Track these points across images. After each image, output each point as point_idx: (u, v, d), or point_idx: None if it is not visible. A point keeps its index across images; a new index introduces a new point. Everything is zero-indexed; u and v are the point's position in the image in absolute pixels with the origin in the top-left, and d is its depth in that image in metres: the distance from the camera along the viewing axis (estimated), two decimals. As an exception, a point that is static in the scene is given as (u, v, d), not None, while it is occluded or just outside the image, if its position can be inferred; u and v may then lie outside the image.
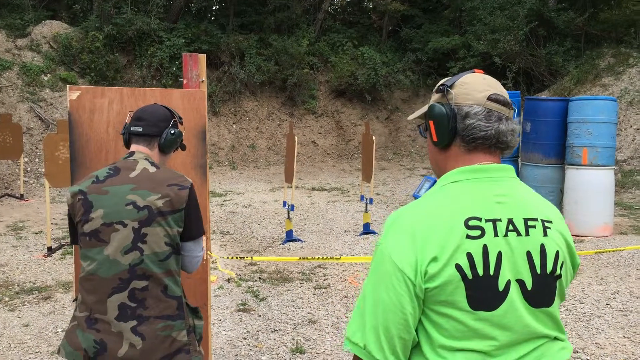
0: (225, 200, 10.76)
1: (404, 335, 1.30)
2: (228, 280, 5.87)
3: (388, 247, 1.33)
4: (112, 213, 2.09)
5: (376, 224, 8.52)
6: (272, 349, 4.29)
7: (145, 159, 2.21)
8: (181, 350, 2.13)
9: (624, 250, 6.11)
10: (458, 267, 1.27)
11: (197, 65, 3.46)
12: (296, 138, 7.61)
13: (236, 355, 4.21)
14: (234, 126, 15.95)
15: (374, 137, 8.13)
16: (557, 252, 1.38)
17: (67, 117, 2.86)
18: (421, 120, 1.59)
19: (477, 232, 1.30)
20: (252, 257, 4.26)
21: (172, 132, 2.28)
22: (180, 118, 2.40)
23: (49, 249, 6.94)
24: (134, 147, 2.27)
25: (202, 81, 3.48)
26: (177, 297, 2.16)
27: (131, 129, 2.26)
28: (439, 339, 1.31)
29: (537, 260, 1.35)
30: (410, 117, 1.64)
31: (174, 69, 15.05)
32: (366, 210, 8.08)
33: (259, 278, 5.96)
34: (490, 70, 15.99)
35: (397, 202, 10.62)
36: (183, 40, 15.41)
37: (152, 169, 2.18)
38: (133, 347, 2.06)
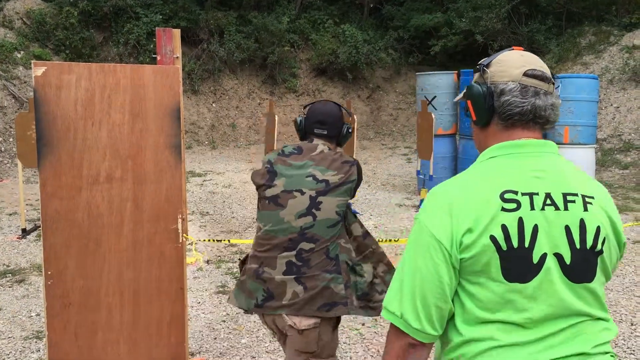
0: (205, 180, 10.62)
1: (441, 304, 1.33)
2: (207, 262, 5.78)
3: (426, 219, 1.37)
4: (293, 182, 2.45)
5: (357, 203, 8.45)
6: (252, 331, 4.23)
7: (324, 145, 2.59)
8: (339, 303, 2.38)
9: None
10: (492, 238, 1.30)
11: (171, 41, 3.32)
12: (276, 117, 7.48)
13: (215, 338, 4.13)
14: (214, 105, 15.72)
15: (355, 116, 8.03)
16: (598, 228, 1.36)
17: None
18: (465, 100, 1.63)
19: (513, 205, 1.32)
20: (229, 240, 4.18)
21: (349, 130, 2.66)
22: (351, 113, 2.91)
23: (23, 230, 6.78)
24: (313, 138, 2.62)
25: (177, 57, 3.34)
26: (335, 257, 2.42)
27: (315, 132, 2.60)
28: (474, 310, 1.33)
29: (576, 235, 1.34)
30: (456, 98, 1.69)
31: (152, 46, 14.72)
32: (347, 190, 7.98)
33: (239, 259, 5.86)
34: (472, 48, 15.93)
35: (378, 182, 10.57)
36: (160, 17, 15.06)
37: (328, 151, 2.57)
38: (296, 295, 2.36)
